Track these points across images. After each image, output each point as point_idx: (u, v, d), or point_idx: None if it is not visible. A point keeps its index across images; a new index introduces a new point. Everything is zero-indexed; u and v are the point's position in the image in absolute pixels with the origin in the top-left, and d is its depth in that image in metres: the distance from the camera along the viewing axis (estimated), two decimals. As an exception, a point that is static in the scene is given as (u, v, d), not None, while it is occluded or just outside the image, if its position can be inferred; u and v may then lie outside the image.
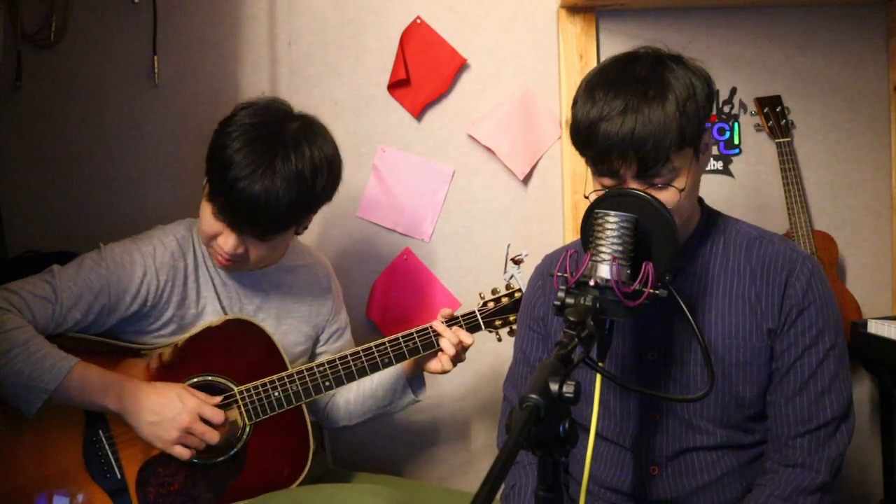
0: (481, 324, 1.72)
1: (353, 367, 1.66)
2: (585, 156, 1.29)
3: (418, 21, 2.18)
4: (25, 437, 1.51)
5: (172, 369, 1.59)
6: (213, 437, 1.53)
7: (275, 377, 1.62)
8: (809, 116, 2.24)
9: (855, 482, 2.28)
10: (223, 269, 1.66)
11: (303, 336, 1.77)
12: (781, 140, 2.19)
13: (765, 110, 2.21)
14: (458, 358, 1.69)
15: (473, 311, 1.72)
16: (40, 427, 1.51)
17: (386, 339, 1.68)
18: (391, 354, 1.67)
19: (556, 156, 2.22)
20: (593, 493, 1.43)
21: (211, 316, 1.65)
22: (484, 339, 1.81)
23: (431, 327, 1.68)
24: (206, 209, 1.57)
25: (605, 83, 1.24)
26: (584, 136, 1.25)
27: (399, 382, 1.76)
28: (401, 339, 1.68)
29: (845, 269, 2.26)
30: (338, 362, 1.66)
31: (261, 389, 1.61)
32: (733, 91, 2.24)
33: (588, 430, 1.13)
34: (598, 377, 1.13)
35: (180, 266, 1.64)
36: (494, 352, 2.10)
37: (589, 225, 1.18)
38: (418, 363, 1.73)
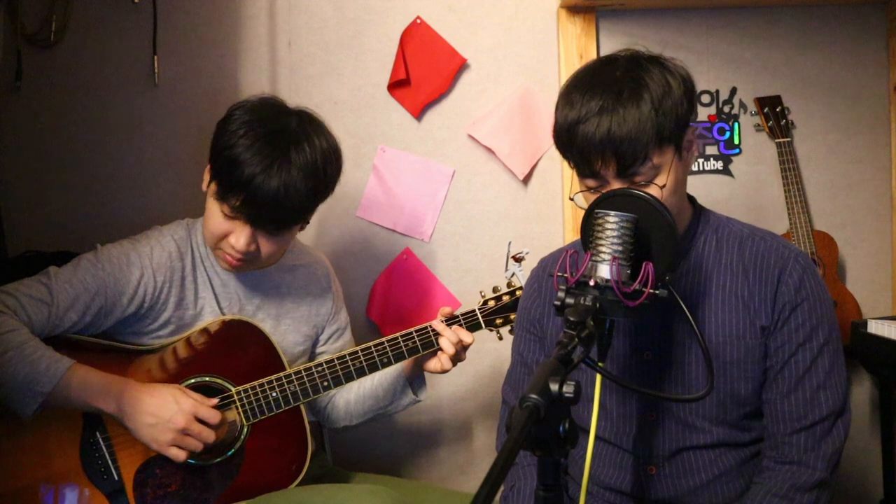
0: (482, 322, 1.72)
1: (352, 368, 1.66)
2: (567, 158, 1.32)
3: (418, 21, 2.18)
4: (23, 440, 1.51)
5: (170, 370, 1.59)
6: (210, 437, 1.53)
7: (273, 377, 1.62)
8: (809, 116, 2.24)
9: (855, 482, 2.28)
10: (232, 270, 1.65)
11: (302, 336, 1.77)
12: (781, 140, 2.19)
13: (765, 110, 2.21)
14: (458, 357, 1.69)
15: (474, 310, 1.72)
16: (38, 429, 1.51)
17: (385, 339, 1.67)
18: (390, 354, 1.67)
19: (556, 156, 2.21)
20: (592, 494, 1.43)
21: (209, 317, 1.65)
22: (484, 338, 1.81)
23: (431, 326, 1.68)
24: (215, 210, 1.57)
25: (583, 86, 1.27)
26: (565, 139, 1.28)
27: (399, 382, 1.76)
28: (400, 339, 1.67)
29: (845, 269, 2.26)
30: (336, 362, 1.65)
31: (258, 390, 1.61)
32: (733, 91, 2.24)
33: (586, 432, 1.13)
34: (598, 378, 1.13)
35: (178, 267, 1.64)
36: (495, 351, 2.11)
37: (589, 225, 1.18)
38: (418, 363, 1.72)
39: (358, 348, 1.67)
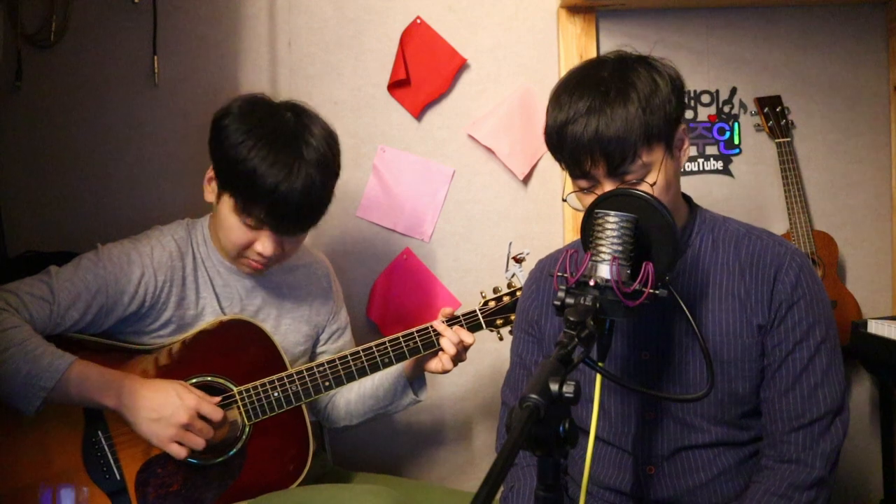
0: (482, 323, 1.72)
1: (353, 367, 1.66)
2: (559, 159, 1.33)
3: (418, 21, 2.18)
4: (25, 438, 1.51)
5: (171, 370, 1.59)
6: (211, 434, 1.53)
7: (274, 377, 1.62)
8: (809, 116, 2.24)
9: (855, 482, 2.28)
10: (255, 274, 1.66)
11: (303, 336, 1.77)
12: (781, 140, 2.19)
13: (765, 110, 2.21)
14: (458, 357, 1.69)
15: (474, 311, 1.72)
16: (39, 428, 1.51)
17: (386, 339, 1.68)
18: (391, 354, 1.67)
19: (556, 156, 2.22)
20: (592, 494, 1.43)
21: (211, 316, 1.65)
22: (485, 338, 1.81)
23: (432, 327, 1.68)
24: (234, 223, 1.57)
25: (571, 88, 1.29)
26: (555, 140, 1.30)
27: (399, 382, 1.76)
28: (401, 339, 1.67)
29: (845, 269, 2.26)
30: (338, 362, 1.66)
31: (260, 390, 1.61)
32: (733, 91, 2.24)
33: (585, 432, 1.13)
34: (598, 378, 1.13)
35: (179, 266, 1.64)
36: (495, 351, 2.11)
37: (589, 225, 1.18)
38: (419, 363, 1.73)
39: (359, 348, 1.67)
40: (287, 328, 1.74)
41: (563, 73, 2.17)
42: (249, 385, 1.61)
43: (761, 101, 2.21)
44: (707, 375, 1.19)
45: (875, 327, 2.03)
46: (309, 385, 1.64)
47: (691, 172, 2.24)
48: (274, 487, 1.61)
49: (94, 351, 1.55)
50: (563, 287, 1.12)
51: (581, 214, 1.22)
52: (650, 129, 1.24)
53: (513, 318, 1.72)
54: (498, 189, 2.22)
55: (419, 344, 1.68)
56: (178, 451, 1.51)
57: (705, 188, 2.23)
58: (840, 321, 1.97)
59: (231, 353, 1.63)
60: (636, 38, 2.16)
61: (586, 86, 1.27)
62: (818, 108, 2.24)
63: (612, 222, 1.13)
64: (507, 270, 1.75)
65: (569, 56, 2.17)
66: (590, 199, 1.27)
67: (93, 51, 2.11)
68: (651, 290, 1.11)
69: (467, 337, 1.68)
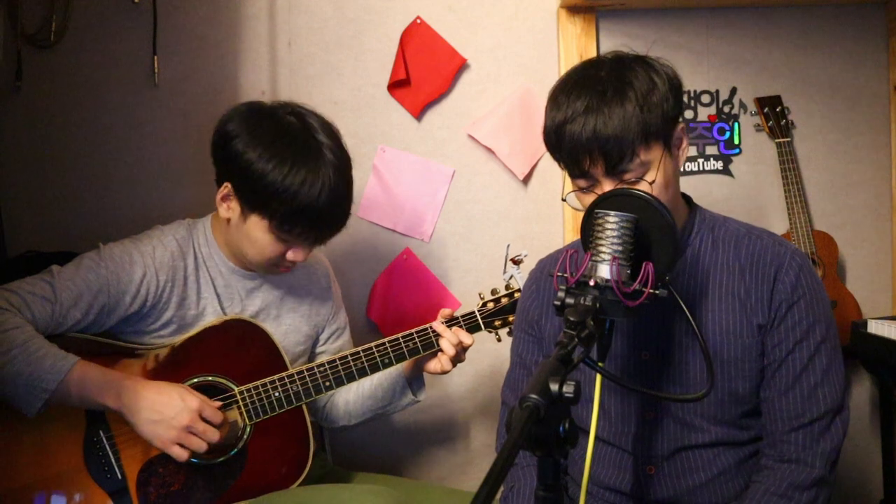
0: (481, 324, 1.72)
1: (354, 368, 1.66)
2: (557, 159, 1.33)
3: (418, 21, 2.18)
4: (26, 438, 1.51)
5: (173, 369, 1.59)
6: (214, 436, 1.53)
7: (275, 377, 1.62)
8: (809, 116, 2.24)
9: (855, 482, 2.28)
10: (282, 273, 1.69)
11: (303, 336, 1.77)
12: (781, 140, 2.19)
13: (765, 110, 2.21)
14: (457, 358, 1.69)
15: (473, 312, 1.72)
16: (41, 427, 1.51)
17: (386, 340, 1.68)
18: (391, 355, 1.67)
19: (556, 156, 2.22)
20: (592, 494, 1.43)
21: (211, 316, 1.65)
22: (484, 339, 1.81)
23: (431, 328, 1.68)
24: (265, 238, 1.57)
25: (568, 88, 1.29)
26: (553, 140, 1.30)
27: (398, 383, 1.76)
28: (401, 340, 1.68)
29: (845, 269, 2.26)
30: (338, 362, 1.66)
31: (261, 390, 1.61)
32: (733, 91, 2.24)
33: (585, 432, 1.13)
34: (598, 378, 1.13)
35: (180, 266, 1.64)
36: (494, 352, 2.10)
37: (589, 225, 1.18)
38: (418, 363, 1.73)
39: (360, 349, 1.67)
40: (287, 328, 1.74)
41: (563, 73, 2.18)
42: (250, 385, 1.61)
43: (761, 101, 2.21)
44: (707, 375, 1.19)
45: (875, 327, 2.03)
46: (309, 385, 1.64)
47: (691, 172, 2.24)
48: (274, 487, 1.61)
49: (94, 351, 1.55)
50: (563, 287, 1.12)
51: (581, 214, 1.22)
52: (648, 128, 1.24)
53: (511, 319, 1.72)
54: (498, 189, 2.22)
55: (418, 345, 1.68)
56: (180, 454, 1.51)
57: (705, 188, 2.23)
58: (840, 321, 1.97)
59: (232, 353, 1.63)
60: (636, 38, 2.17)
61: (584, 85, 1.27)
62: (818, 108, 2.24)
63: (612, 222, 1.13)
64: (504, 272, 1.75)
65: (569, 56, 2.17)
66: (589, 198, 1.28)
67: (93, 51, 2.11)
68: (651, 290, 1.11)
69: (466, 338, 1.68)
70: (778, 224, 2.22)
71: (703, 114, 2.25)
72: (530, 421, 0.86)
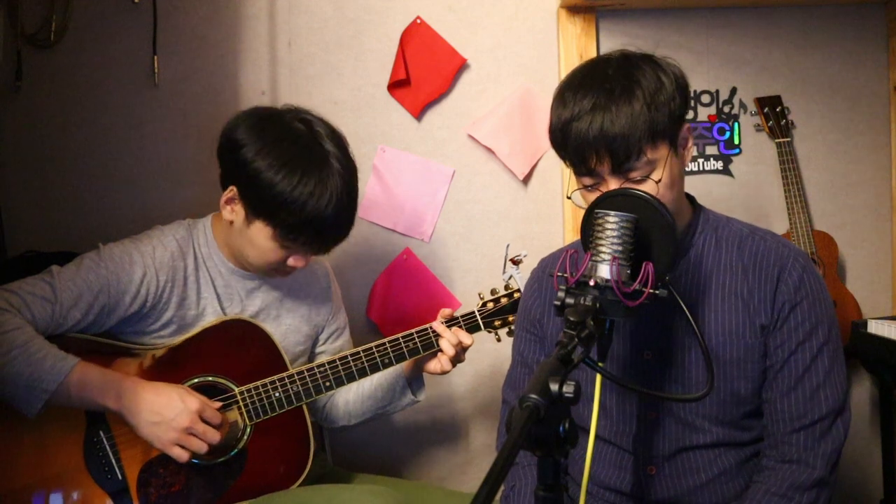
0: (481, 324, 1.72)
1: (354, 368, 1.66)
2: (563, 157, 1.33)
3: (418, 21, 2.18)
4: (26, 438, 1.51)
5: (172, 370, 1.59)
6: (215, 438, 1.53)
7: (275, 378, 1.62)
8: (809, 116, 2.24)
9: (855, 482, 2.28)
10: (285, 277, 1.69)
11: (302, 336, 1.77)
12: (781, 140, 2.19)
13: (765, 110, 2.21)
14: (457, 358, 1.69)
15: (473, 312, 1.72)
16: (41, 428, 1.51)
17: (386, 340, 1.68)
18: (391, 355, 1.67)
19: (555, 156, 2.21)
20: (592, 494, 1.43)
21: (211, 317, 1.65)
22: (483, 339, 1.81)
23: (431, 328, 1.68)
24: (272, 246, 1.57)
25: (576, 85, 1.29)
26: (559, 138, 1.30)
27: (398, 383, 1.76)
28: (401, 340, 1.68)
29: (845, 269, 2.26)
30: (338, 363, 1.66)
31: (261, 390, 1.61)
32: (733, 91, 2.24)
33: (585, 432, 1.13)
34: (598, 378, 1.13)
35: (180, 266, 1.64)
36: (494, 352, 2.10)
37: (589, 225, 1.18)
38: (418, 364, 1.73)
39: (360, 349, 1.67)
40: (287, 328, 1.74)
41: (564, 73, 2.19)
42: (250, 385, 1.61)
43: (761, 101, 2.21)
44: (707, 375, 1.19)
45: (875, 327, 2.03)
46: (310, 385, 1.64)
47: (691, 172, 2.24)
48: (275, 488, 1.61)
49: (94, 351, 1.55)
50: (563, 287, 1.12)
51: (581, 214, 1.22)
52: (655, 127, 1.24)
53: (510, 319, 1.73)
54: (498, 189, 2.22)
55: (418, 345, 1.68)
56: (181, 455, 1.51)
57: (705, 188, 2.23)
58: (840, 321, 1.95)
59: (232, 353, 1.63)
60: (636, 38, 2.17)
61: (591, 83, 1.27)
62: (818, 108, 2.24)
63: (612, 222, 1.13)
64: (504, 272, 1.75)
65: (569, 56, 2.17)
66: (594, 196, 1.27)
67: (93, 51, 2.11)
68: (651, 290, 1.11)
69: (466, 338, 1.68)
70: (778, 224, 2.22)
71: (703, 114, 2.25)
72: (530, 421, 0.86)
